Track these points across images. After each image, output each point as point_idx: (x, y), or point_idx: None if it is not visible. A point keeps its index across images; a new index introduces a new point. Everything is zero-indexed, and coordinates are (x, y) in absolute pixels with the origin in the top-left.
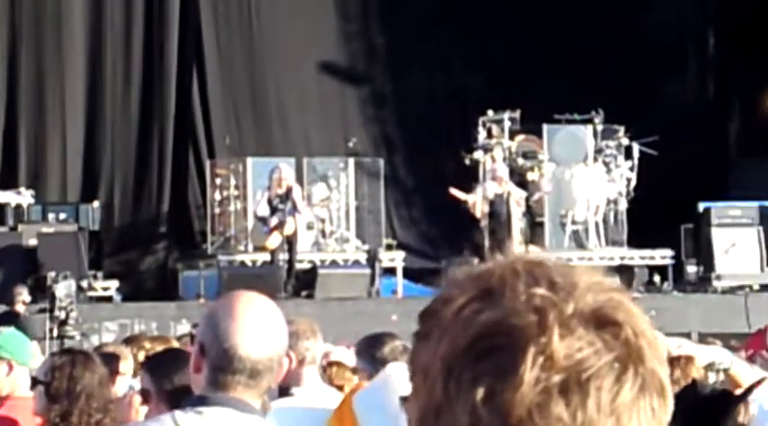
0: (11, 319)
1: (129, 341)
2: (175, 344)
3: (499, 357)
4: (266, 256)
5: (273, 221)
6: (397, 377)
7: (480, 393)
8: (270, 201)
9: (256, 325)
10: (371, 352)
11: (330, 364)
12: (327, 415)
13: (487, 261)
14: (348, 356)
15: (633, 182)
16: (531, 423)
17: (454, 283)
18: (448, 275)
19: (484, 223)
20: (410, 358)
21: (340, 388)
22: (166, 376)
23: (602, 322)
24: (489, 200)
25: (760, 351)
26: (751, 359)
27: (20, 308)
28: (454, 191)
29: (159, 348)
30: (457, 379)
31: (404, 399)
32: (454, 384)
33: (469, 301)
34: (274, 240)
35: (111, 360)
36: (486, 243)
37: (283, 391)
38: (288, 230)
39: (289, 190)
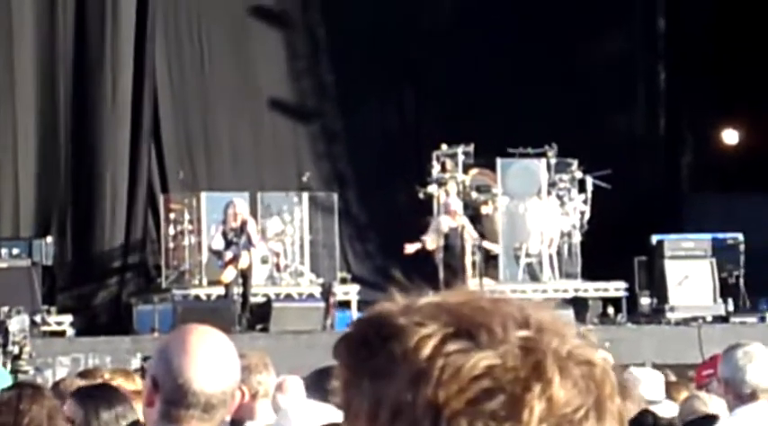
0: None
1: (85, 375)
2: (136, 378)
3: (499, 400)
4: (221, 290)
5: (228, 255)
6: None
7: None
8: (225, 235)
9: (209, 359)
10: (322, 385)
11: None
12: None
13: (441, 292)
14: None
15: (587, 215)
16: None
17: (404, 314)
18: (387, 304)
19: (438, 257)
20: (349, 397)
21: None
22: (95, 410)
23: (580, 362)
24: (443, 234)
25: (713, 376)
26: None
27: None
28: (409, 248)
29: (119, 379)
30: (448, 422)
31: None
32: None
33: (446, 339)
34: (229, 274)
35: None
36: (441, 275)
37: (236, 425)
38: (243, 264)
39: (243, 224)
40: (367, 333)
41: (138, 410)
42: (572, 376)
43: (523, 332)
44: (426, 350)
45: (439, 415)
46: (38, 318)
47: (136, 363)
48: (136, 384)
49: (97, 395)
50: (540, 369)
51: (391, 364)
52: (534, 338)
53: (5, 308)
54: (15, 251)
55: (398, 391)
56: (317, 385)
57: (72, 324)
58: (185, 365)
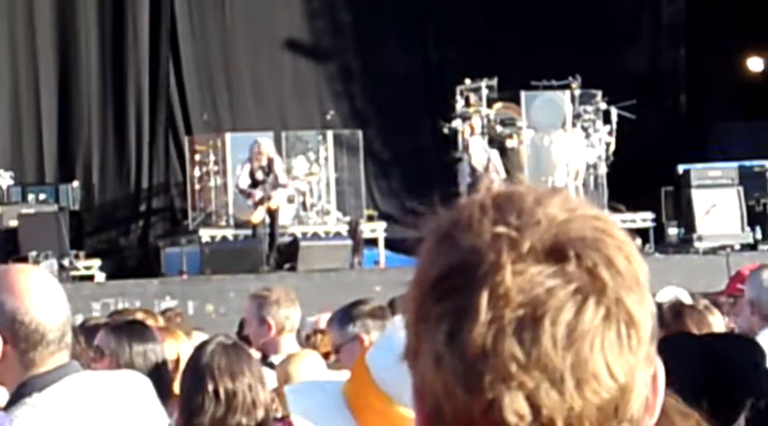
0: None
1: (115, 316)
2: (160, 319)
3: (459, 297)
4: (248, 231)
5: (257, 195)
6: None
7: (442, 332)
8: (252, 174)
9: (43, 293)
10: (350, 314)
11: (315, 331)
12: (339, 386)
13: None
14: None
15: (612, 147)
16: (486, 362)
17: (430, 222)
18: (425, 216)
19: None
20: (400, 301)
21: (326, 355)
22: (127, 341)
23: (562, 254)
24: (473, 170)
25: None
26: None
27: None
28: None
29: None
30: (424, 320)
31: None
32: (422, 325)
33: (438, 241)
34: (258, 214)
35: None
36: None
37: (262, 359)
38: (271, 204)
39: (270, 163)
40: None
41: (166, 348)
42: (532, 269)
43: (500, 228)
44: (420, 254)
45: (419, 315)
46: (66, 263)
47: (165, 305)
48: (159, 323)
49: (129, 329)
50: (496, 264)
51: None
52: (502, 233)
53: (34, 253)
54: (42, 196)
55: (405, 295)
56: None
57: (101, 268)
58: (26, 305)
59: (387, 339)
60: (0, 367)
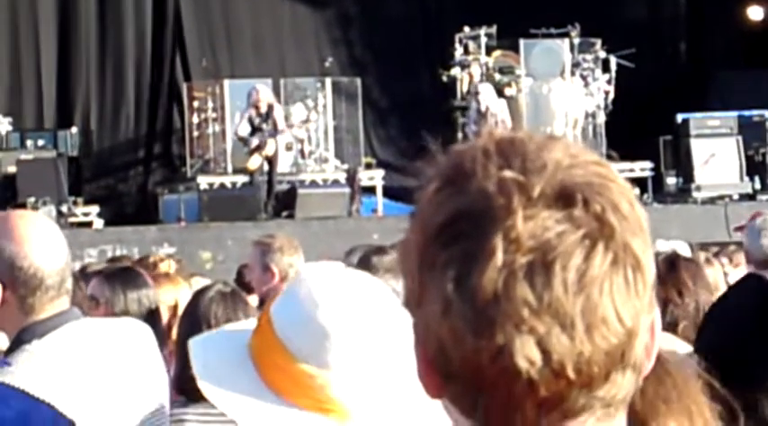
0: None
1: (113, 262)
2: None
3: (467, 242)
4: (245, 178)
5: (254, 142)
6: (317, 280)
7: (450, 278)
8: (251, 121)
9: (42, 238)
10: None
11: None
12: (246, 338)
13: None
14: None
15: (611, 95)
16: (497, 307)
17: (430, 167)
18: (424, 162)
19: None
20: (399, 248)
21: None
22: (121, 289)
23: (570, 199)
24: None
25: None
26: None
27: None
28: None
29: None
30: (429, 266)
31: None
32: (427, 271)
33: (441, 186)
34: (255, 161)
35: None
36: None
37: (264, 304)
38: (269, 151)
39: (270, 109)
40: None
41: (160, 294)
42: (543, 214)
43: (507, 173)
44: (423, 199)
45: (423, 261)
46: (64, 209)
47: (163, 252)
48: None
49: (123, 276)
50: (507, 209)
51: (411, 219)
52: (511, 178)
53: (32, 199)
54: (40, 142)
55: (405, 241)
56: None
57: (99, 215)
58: (25, 250)
59: (291, 294)
60: (1, 311)
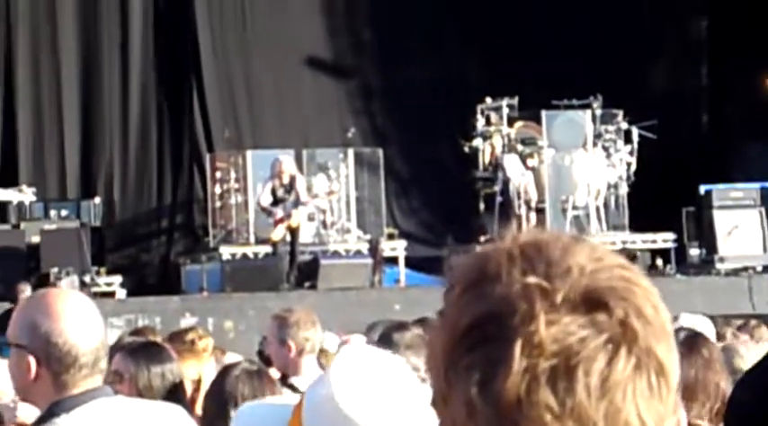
0: None
1: (136, 334)
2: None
3: (490, 346)
4: (268, 248)
5: (278, 213)
6: (347, 374)
7: (474, 382)
8: (273, 192)
9: (81, 318)
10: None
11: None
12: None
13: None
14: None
15: (633, 166)
16: (520, 412)
17: (454, 271)
18: (450, 263)
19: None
20: (426, 346)
21: None
22: (145, 364)
23: (593, 304)
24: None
25: None
26: None
27: None
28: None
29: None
30: (454, 368)
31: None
32: (453, 373)
33: (466, 289)
34: (279, 232)
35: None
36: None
37: (282, 380)
38: (292, 222)
39: (292, 180)
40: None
41: (184, 369)
42: (565, 320)
43: (531, 278)
44: (448, 302)
45: (449, 363)
46: (87, 279)
47: (185, 323)
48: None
49: (146, 351)
50: (529, 314)
51: (437, 319)
52: (534, 284)
53: (55, 269)
54: (64, 212)
55: (431, 342)
56: (387, 339)
57: (122, 285)
58: (60, 327)
59: (321, 385)
60: (33, 387)
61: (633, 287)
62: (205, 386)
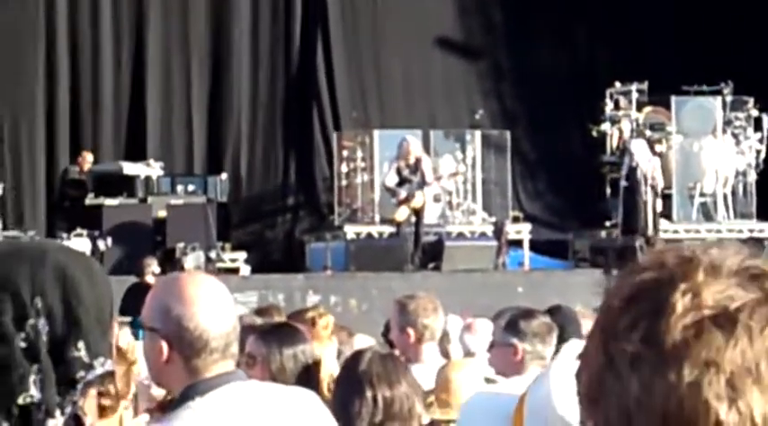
0: (141, 290)
1: (261, 312)
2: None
3: (652, 300)
4: (392, 228)
5: (402, 193)
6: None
7: (637, 334)
8: (399, 172)
9: (214, 302)
10: (518, 327)
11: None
12: (512, 407)
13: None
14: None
15: (763, 154)
16: (687, 349)
17: (611, 290)
18: (608, 286)
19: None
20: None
21: None
22: (277, 347)
23: (750, 275)
24: (631, 173)
25: None
26: None
27: (150, 280)
28: None
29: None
30: (614, 336)
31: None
32: (612, 341)
33: (624, 308)
34: (403, 212)
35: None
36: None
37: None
38: (417, 203)
39: (418, 162)
40: None
41: (316, 349)
42: (723, 280)
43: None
44: (602, 317)
45: (606, 335)
46: (213, 255)
47: (309, 301)
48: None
49: (279, 333)
50: (688, 273)
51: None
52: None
53: (181, 245)
54: (191, 187)
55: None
56: (514, 326)
57: (246, 261)
58: (192, 312)
59: (539, 407)
60: (165, 370)
61: None
62: (325, 366)
